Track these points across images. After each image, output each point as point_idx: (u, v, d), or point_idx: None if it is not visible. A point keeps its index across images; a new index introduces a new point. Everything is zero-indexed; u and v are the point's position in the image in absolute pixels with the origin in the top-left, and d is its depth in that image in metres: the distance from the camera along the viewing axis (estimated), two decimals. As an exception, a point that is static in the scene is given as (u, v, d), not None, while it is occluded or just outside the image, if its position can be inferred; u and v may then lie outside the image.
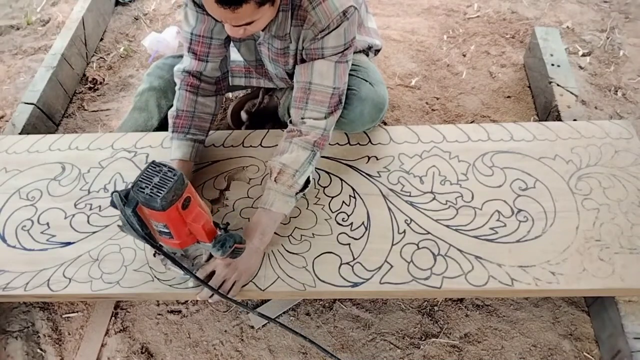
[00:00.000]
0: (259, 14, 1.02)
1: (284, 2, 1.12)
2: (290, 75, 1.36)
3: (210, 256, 1.13)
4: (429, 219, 1.25)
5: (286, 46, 1.24)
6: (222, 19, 1.03)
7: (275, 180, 1.17)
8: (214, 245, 0.99)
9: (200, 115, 1.31)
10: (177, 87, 1.31)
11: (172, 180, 0.89)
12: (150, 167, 0.91)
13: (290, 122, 1.25)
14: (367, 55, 1.48)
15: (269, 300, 1.38)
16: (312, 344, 1.15)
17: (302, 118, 1.21)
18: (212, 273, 1.13)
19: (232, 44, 1.34)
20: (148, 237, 0.96)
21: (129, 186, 0.92)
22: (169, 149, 1.30)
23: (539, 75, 1.79)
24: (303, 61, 1.22)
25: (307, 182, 1.22)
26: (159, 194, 0.87)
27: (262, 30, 1.21)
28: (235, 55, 1.44)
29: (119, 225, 1.00)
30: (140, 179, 0.90)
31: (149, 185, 0.89)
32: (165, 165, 0.91)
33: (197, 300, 1.41)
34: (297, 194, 1.19)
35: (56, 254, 1.26)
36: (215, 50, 1.27)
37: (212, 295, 1.10)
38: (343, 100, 1.25)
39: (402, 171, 1.35)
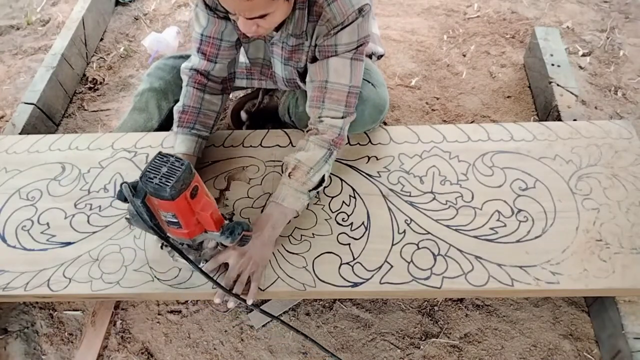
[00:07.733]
0: (273, 6, 1.02)
1: (300, 0, 1.13)
2: (301, 75, 1.36)
3: (217, 245, 1.13)
4: (429, 219, 1.25)
5: (301, 42, 1.24)
6: (236, 10, 1.02)
7: (289, 176, 1.19)
8: (222, 233, 1.00)
9: (206, 112, 1.32)
10: (184, 84, 1.32)
11: (180, 169, 0.90)
12: (157, 157, 0.92)
13: (309, 121, 1.26)
14: (370, 58, 1.48)
15: (269, 300, 1.38)
16: (314, 344, 1.15)
17: (320, 117, 1.22)
18: (225, 264, 1.14)
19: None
20: (156, 227, 0.97)
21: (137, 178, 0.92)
22: (169, 148, 1.30)
23: (539, 75, 1.79)
24: (314, 59, 1.22)
25: (322, 180, 1.23)
26: (167, 183, 0.88)
27: (277, 31, 1.21)
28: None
29: (126, 218, 1.02)
30: (149, 170, 0.90)
31: (157, 175, 0.89)
32: (172, 156, 0.92)
33: (197, 301, 1.41)
34: (310, 191, 1.20)
35: (56, 254, 1.26)
36: (224, 52, 1.28)
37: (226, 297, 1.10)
38: (357, 100, 1.25)
39: (402, 171, 1.35)
